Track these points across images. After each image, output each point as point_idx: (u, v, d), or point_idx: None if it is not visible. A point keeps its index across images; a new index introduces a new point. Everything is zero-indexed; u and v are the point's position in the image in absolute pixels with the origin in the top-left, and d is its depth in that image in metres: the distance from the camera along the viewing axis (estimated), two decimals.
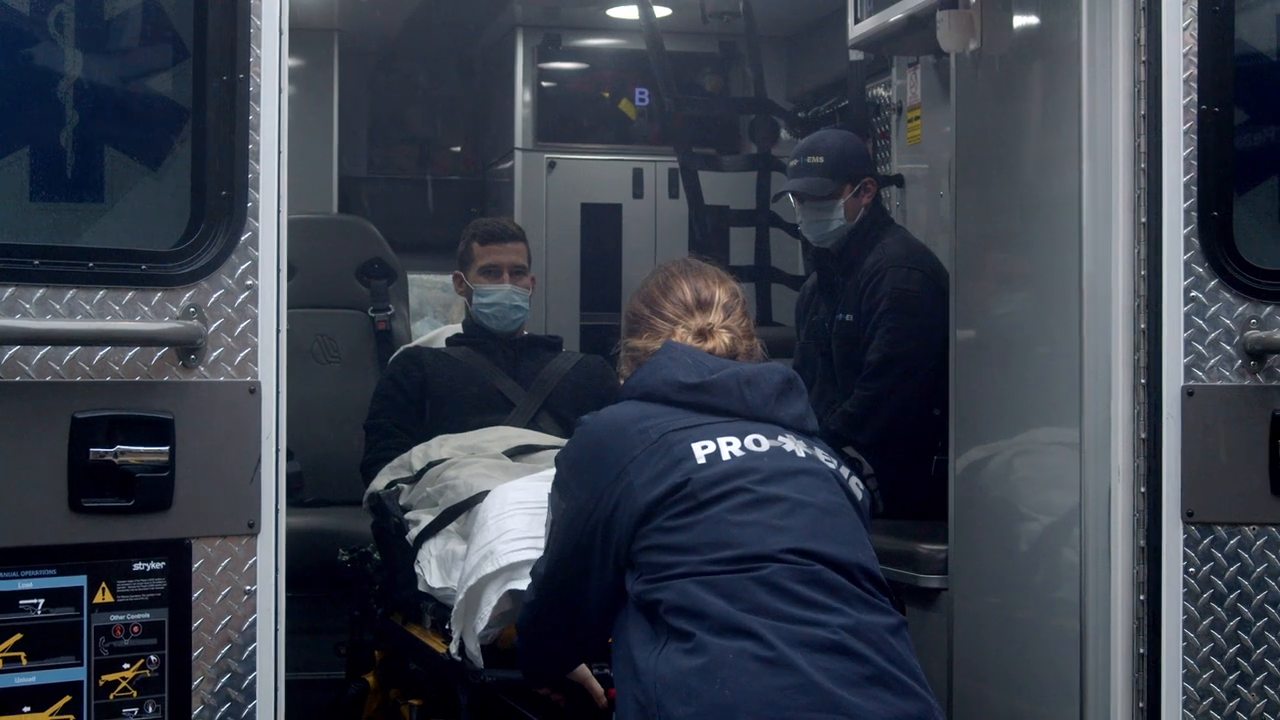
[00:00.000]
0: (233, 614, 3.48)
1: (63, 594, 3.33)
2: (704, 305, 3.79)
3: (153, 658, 3.41)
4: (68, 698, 3.32)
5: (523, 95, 8.32)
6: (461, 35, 8.59)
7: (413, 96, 9.13)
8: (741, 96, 8.41)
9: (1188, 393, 3.95)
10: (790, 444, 3.55)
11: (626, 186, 8.40)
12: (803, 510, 3.43)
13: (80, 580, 3.35)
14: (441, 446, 5.41)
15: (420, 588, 4.75)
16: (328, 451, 6.62)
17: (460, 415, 5.76)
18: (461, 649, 4.22)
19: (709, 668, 3.23)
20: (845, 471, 3.64)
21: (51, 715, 3.31)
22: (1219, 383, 3.97)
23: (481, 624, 4.09)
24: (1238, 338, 3.97)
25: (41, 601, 3.30)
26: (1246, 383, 3.97)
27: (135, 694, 3.39)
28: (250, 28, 3.48)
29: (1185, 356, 3.97)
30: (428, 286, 9.69)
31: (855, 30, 6.28)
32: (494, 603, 4.05)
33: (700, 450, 3.46)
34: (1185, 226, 3.96)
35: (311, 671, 5.54)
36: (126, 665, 3.38)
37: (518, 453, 5.34)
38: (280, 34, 3.54)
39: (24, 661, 3.28)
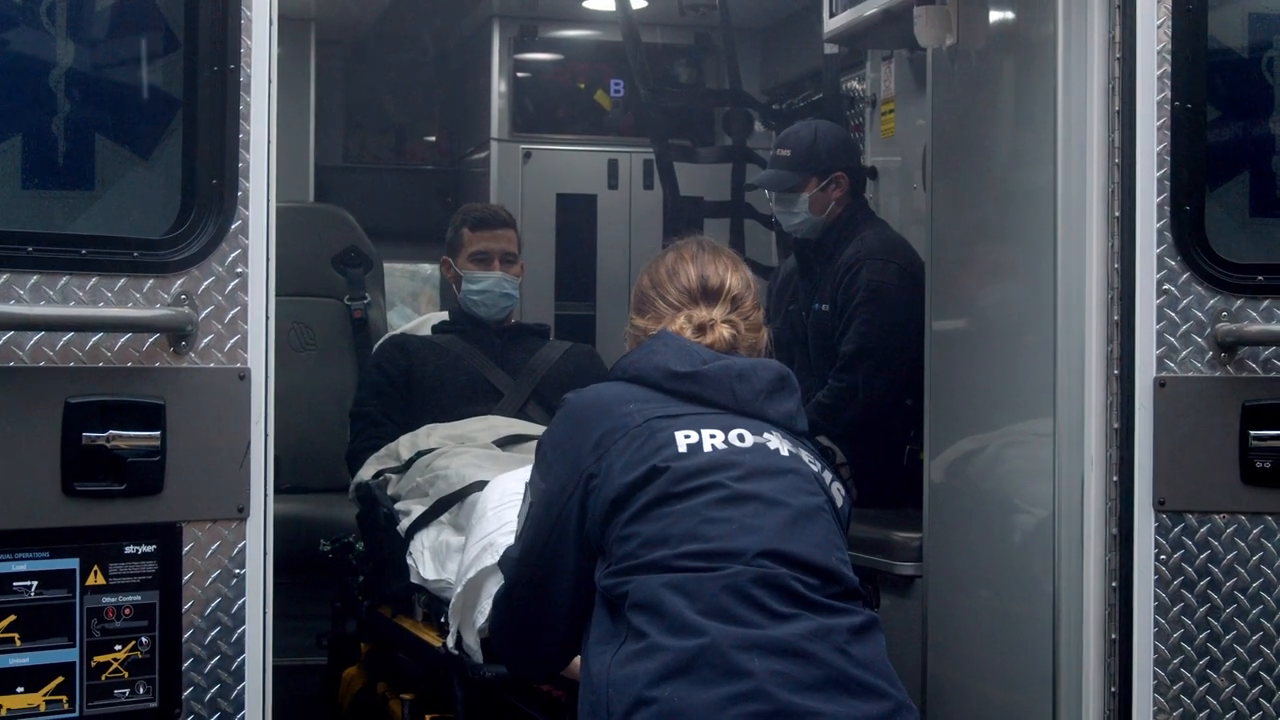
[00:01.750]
0: (222, 597, 3.54)
1: (55, 576, 3.38)
2: (710, 294, 3.67)
3: (144, 639, 3.46)
4: (60, 678, 3.37)
5: (499, 86, 8.34)
6: (438, 25, 8.60)
7: (389, 86, 9.13)
8: (716, 88, 8.44)
9: (1160, 384, 4.01)
10: (775, 442, 3.46)
11: (602, 177, 8.43)
12: (776, 510, 3.35)
13: (73, 563, 3.39)
14: (429, 436, 5.34)
15: (413, 579, 4.68)
16: (304, 439, 6.65)
17: (447, 404, 5.66)
18: (459, 642, 4.19)
19: (659, 673, 3.16)
20: (828, 476, 3.56)
21: (45, 696, 3.35)
22: (1190, 374, 4.03)
23: (481, 617, 4.03)
24: (1209, 330, 4.03)
25: (35, 583, 3.35)
26: (1217, 374, 4.03)
27: (127, 675, 3.44)
28: (241, 19, 3.53)
29: (1157, 348, 4.03)
30: (396, 275, 9.71)
31: (830, 24, 6.32)
32: (494, 595, 3.89)
33: (683, 439, 3.39)
34: (1158, 220, 4.02)
35: (289, 657, 5.57)
36: (118, 647, 3.43)
37: (507, 442, 5.27)
38: (270, 25, 3.59)
39: (17, 643, 3.33)
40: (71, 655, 3.39)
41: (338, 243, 7.33)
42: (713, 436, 3.42)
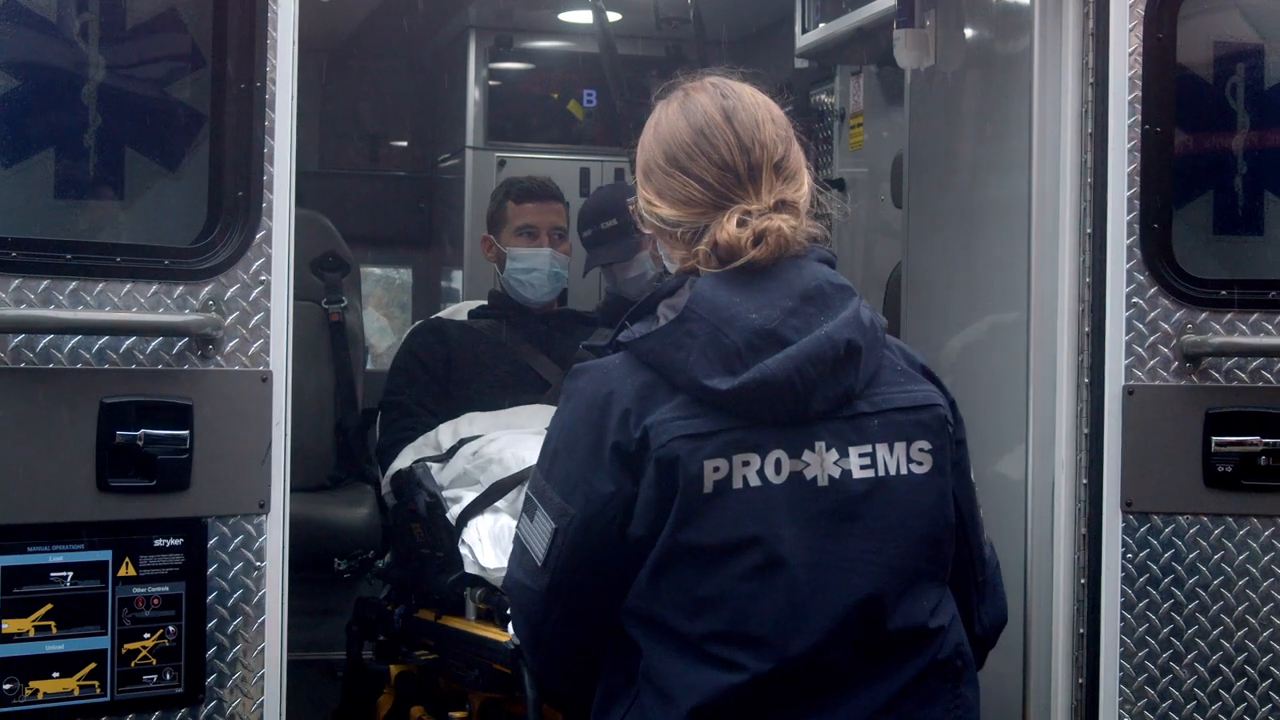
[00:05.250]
0: (244, 588, 3.70)
1: (90, 567, 3.55)
2: (754, 169, 2.98)
3: (171, 628, 3.62)
4: (93, 665, 3.54)
5: (474, 95, 8.47)
6: (415, 35, 8.73)
7: (365, 94, 9.24)
8: None
9: (1128, 392, 4.18)
10: (814, 465, 2.89)
11: (574, 185, 8.54)
12: (807, 577, 2.86)
13: (106, 555, 3.56)
14: (472, 424, 4.94)
15: (468, 570, 4.32)
16: None
17: (488, 395, 5.22)
18: None
19: None
20: (897, 454, 2.96)
21: (78, 681, 3.52)
22: (1157, 383, 4.19)
23: None
24: (1175, 341, 4.19)
25: (70, 574, 3.52)
26: (1183, 383, 4.20)
27: (154, 662, 3.60)
28: (268, 40, 3.71)
29: (1126, 358, 4.19)
30: None
31: (802, 40, 6.50)
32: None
33: (710, 472, 2.85)
34: (1128, 237, 4.18)
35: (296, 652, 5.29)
36: (147, 635, 3.60)
37: None
38: (293, 45, 3.77)
39: (54, 630, 3.50)
40: (103, 643, 3.55)
41: (316, 247, 7.38)
42: (745, 464, 2.87)
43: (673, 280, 3.04)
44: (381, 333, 9.35)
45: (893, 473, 2.95)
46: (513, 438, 4.67)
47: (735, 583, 2.86)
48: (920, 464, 2.98)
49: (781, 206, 2.98)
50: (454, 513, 4.54)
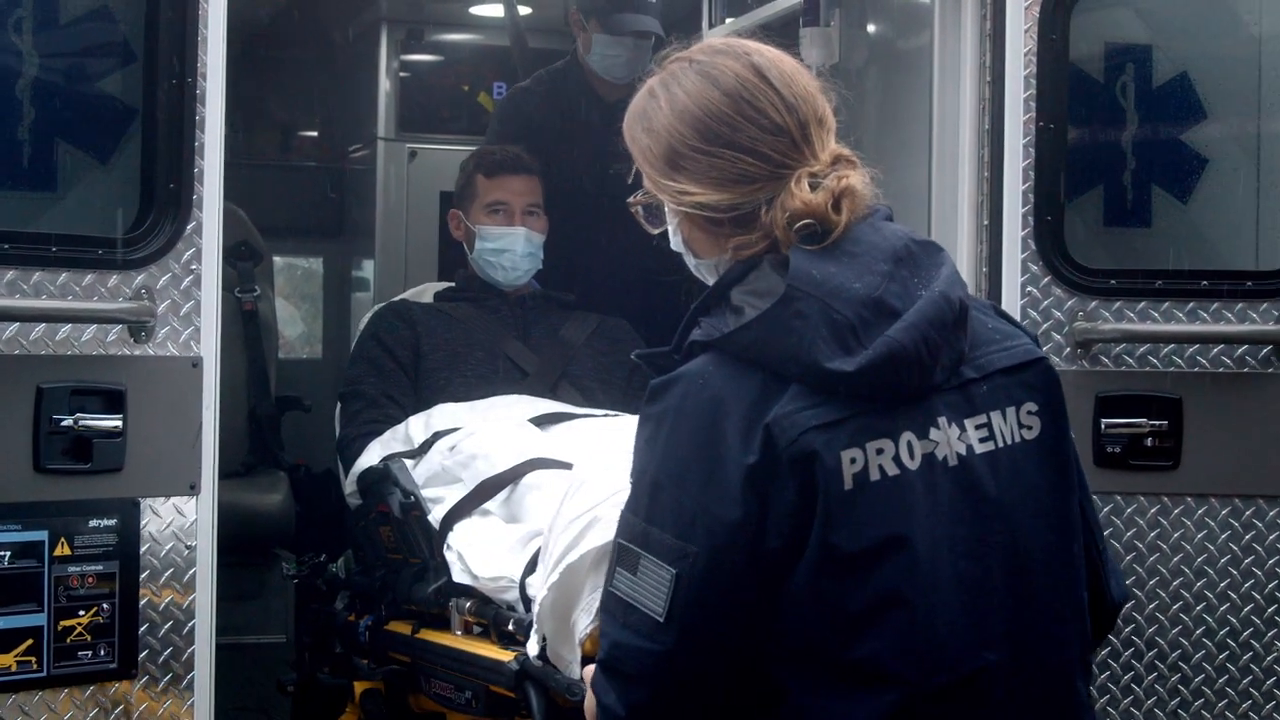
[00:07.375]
0: (175, 567, 3.83)
1: (26, 547, 3.67)
2: (804, 126, 2.65)
3: (105, 606, 3.74)
4: (30, 641, 3.66)
5: (385, 86, 8.54)
6: (326, 26, 8.79)
7: (275, 85, 9.28)
8: None
9: None
10: (943, 442, 2.57)
11: None
12: (952, 583, 2.55)
13: (42, 535, 3.68)
14: (445, 416, 4.58)
15: (457, 578, 3.88)
16: None
17: (462, 385, 4.83)
18: (543, 650, 3.42)
19: None
20: (1010, 421, 2.63)
21: (16, 657, 3.64)
22: None
23: (585, 618, 3.27)
24: (1067, 328, 4.36)
25: (7, 554, 3.64)
26: (1074, 368, 4.35)
27: (89, 638, 3.73)
28: (199, 37, 3.81)
29: None
30: None
31: (708, 35, 6.64)
32: (602, 586, 2.91)
33: (848, 465, 2.50)
34: (1023, 229, 4.35)
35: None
36: (82, 612, 3.71)
37: (543, 421, 4.43)
38: (223, 43, 3.87)
39: None
40: (40, 620, 3.67)
41: (229, 237, 7.34)
42: (879, 452, 2.53)
43: (739, 266, 2.65)
44: (289, 321, 9.40)
45: (1009, 441, 2.63)
46: (494, 431, 4.32)
47: (885, 592, 2.51)
48: (1030, 428, 2.66)
49: (841, 162, 2.66)
50: (436, 515, 4.12)
